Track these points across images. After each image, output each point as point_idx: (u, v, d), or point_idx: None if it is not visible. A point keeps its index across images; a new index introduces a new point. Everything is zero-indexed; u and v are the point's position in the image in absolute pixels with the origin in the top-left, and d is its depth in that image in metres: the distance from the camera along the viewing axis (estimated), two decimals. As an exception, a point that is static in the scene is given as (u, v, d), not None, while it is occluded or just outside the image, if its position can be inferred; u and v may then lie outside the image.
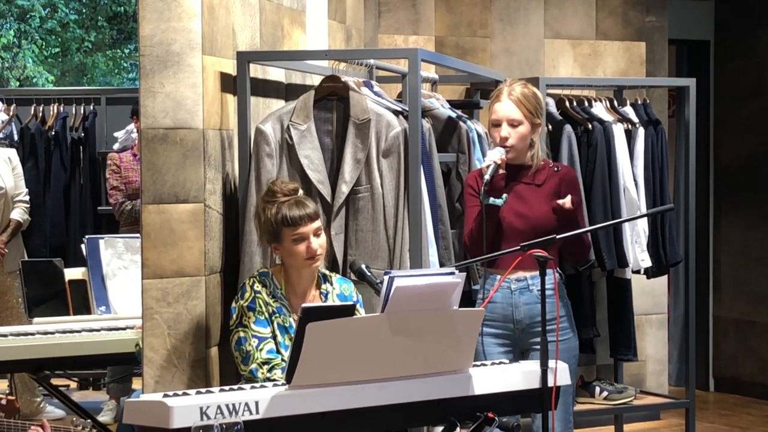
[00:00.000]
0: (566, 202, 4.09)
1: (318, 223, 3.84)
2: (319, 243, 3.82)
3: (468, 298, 4.50)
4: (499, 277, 4.18)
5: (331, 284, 3.95)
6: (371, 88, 4.57)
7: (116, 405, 6.55)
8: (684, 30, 7.46)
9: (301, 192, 3.91)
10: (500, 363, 3.66)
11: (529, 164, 4.24)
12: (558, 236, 3.83)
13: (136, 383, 6.50)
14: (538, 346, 4.04)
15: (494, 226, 4.16)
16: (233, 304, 3.85)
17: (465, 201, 4.36)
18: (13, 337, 4.77)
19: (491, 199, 4.11)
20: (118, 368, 6.21)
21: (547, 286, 3.65)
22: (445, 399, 3.30)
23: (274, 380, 3.66)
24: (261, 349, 3.76)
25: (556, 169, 4.25)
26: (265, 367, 3.74)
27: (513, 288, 4.20)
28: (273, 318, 3.81)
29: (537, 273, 4.11)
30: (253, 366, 3.75)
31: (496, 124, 4.21)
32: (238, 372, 3.83)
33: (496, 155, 4.15)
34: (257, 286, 3.83)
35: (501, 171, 4.16)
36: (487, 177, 4.10)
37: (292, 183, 3.96)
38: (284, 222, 3.79)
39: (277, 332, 3.80)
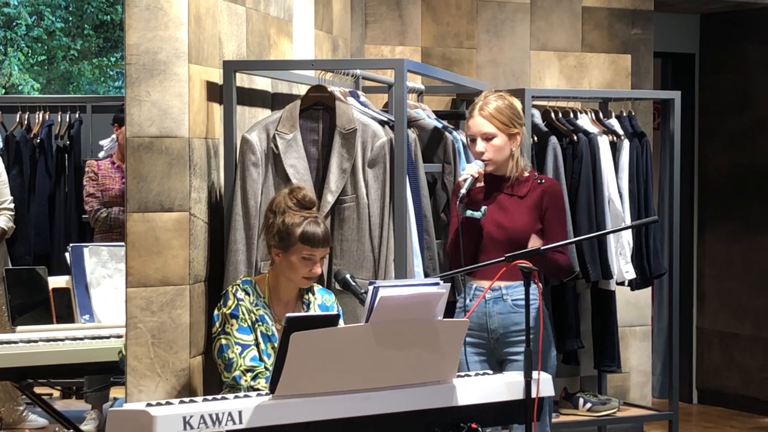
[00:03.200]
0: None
1: (327, 250, 3.86)
2: (321, 268, 3.85)
3: (452, 309, 4.50)
4: (477, 285, 4.19)
5: (313, 294, 3.96)
6: (357, 98, 4.57)
7: (99, 414, 6.53)
8: (669, 43, 7.49)
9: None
10: (484, 374, 3.66)
11: (510, 174, 4.24)
12: (542, 248, 3.83)
13: (115, 392, 6.48)
14: (515, 357, 4.10)
15: (474, 237, 4.17)
16: (216, 312, 3.85)
17: (451, 211, 4.37)
18: (-4, 345, 4.75)
19: (469, 212, 4.13)
20: (95, 378, 6.18)
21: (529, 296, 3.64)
22: (429, 409, 3.30)
23: (258, 389, 3.66)
24: (244, 357, 3.76)
25: (540, 181, 4.24)
26: (249, 374, 3.73)
27: (487, 297, 4.18)
28: (256, 326, 3.81)
29: (512, 283, 4.13)
30: (237, 373, 3.74)
31: (472, 140, 4.23)
32: (221, 380, 3.83)
33: (473, 168, 4.16)
34: (240, 294, 3.83)
35: (479, 184, 4.17)
36: (463, 191, 4.11)
37: (310, 193, 3.94)
38: (302, 238, 3.78)
39: (260, 340, 3.80)
